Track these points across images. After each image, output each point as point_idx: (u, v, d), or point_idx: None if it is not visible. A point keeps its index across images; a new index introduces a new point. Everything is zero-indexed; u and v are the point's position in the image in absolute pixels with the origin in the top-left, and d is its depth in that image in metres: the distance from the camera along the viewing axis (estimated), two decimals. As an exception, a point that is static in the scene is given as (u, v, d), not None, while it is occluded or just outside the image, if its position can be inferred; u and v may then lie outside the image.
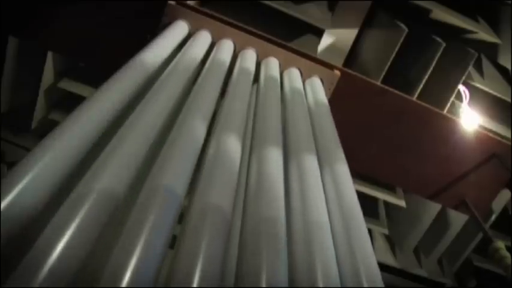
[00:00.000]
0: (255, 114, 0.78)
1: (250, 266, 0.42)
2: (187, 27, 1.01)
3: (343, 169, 0.65)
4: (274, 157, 0.60)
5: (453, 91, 1.38)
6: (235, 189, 0.52)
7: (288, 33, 1.28)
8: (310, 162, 0.63)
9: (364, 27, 1.44)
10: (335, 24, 1.40)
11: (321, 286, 0.42)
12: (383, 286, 0.45)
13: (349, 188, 0.61)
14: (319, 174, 0.62)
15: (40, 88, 1.32)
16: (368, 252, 0.49)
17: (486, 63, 1.49)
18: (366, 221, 0.55)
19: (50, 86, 1.34)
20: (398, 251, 1.68)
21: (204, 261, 0.38)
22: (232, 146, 0.59)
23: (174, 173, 0.48)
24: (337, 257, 0.48)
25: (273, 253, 0.43)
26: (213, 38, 1.02)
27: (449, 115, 1.23)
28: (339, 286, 0.43)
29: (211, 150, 0.57)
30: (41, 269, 0.33)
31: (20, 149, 1.43)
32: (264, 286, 0.39)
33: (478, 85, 1.42)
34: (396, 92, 1.15)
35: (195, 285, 0.36)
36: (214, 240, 0.41)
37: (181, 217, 0.47)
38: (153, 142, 0.56)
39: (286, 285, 0.41)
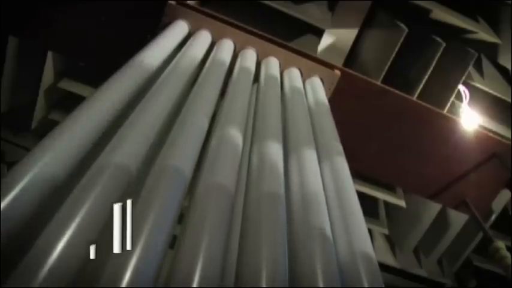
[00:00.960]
0: (255, 113, 0.78)
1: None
2: (187, 27, 1.01)
3: (342, 162, 0.66)
4: (274, 149, 0.61)
5: (453, 91, 1.38)
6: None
7: (288, 33, 1.28)
8: (310, 156, 0.64)
9: (364, 27, 1.44)
10: (335, 24, 1.40)
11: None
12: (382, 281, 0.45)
13: (348, 182, 0.61)
14: (318, 167, 0.63)
15: (40, 88, 1.32)
16: (367, 245, 0.50)
17: (486, 63, 1.49)
18: (366, 221, 0.55)
19: (50, 86, 1.34)
20: (398, 251, 1.68)
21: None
22: (233, 137, 0.60)
23: (180, 159, 0.50)
24: (336, 247, 0.49)
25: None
26: (213, 37, 1.02)
27: (449, 115, 1.23)
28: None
29: (213, 143, 0.58)
30: (41, 269, 0.33)
31: (20, 149, 1.43)
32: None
33: (478, 85, 1.42)
34: (396, 91, 1.15)
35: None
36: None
37: (181, 217, 0.47)
38: (153, 142, 0.56)
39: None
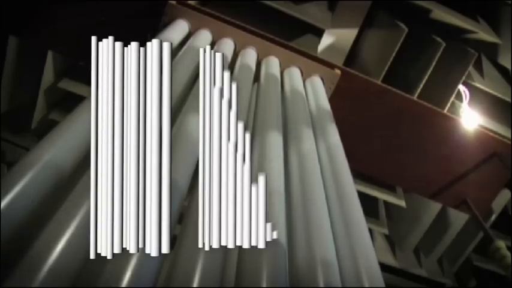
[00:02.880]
0: (255, 111, 0.78)
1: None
2: (188, 27, 1.01)
3: (343, 163, 0.66)
4: (274, 147, 0.61)
5: (453, 91, 1.38)
6: None
7: (288, 33, 1.28)
8: (310, 155, 0.64)
9: (364, 27, 1.44)
10: (335, 24, 1.40)
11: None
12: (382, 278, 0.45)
13: (348, 180, 0.61)
14: (318, 166, 0.63)
15: (40, 88, 1.32)
16: (367, 245, 0.50)
17: (486, 63, 1.49)
18: (366, 220, 0.55)
19: (50, 86, 1.34)
20: (398, 251, 1.68)
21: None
22: None
23: (177, 166, 0.49)
24: (336, 248, 0.49)
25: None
26: (213, 37, 1.02)
27: (449, 114, 1.23)
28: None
29: None
30: (41, 269, 0.33)
31: (20, 149, 1.43)
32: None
33: (478, 85, 1.42)
34: (397, 91, 1.15)
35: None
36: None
37: (181, 217, 0.47)
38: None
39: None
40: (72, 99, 1.34)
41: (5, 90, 1.36)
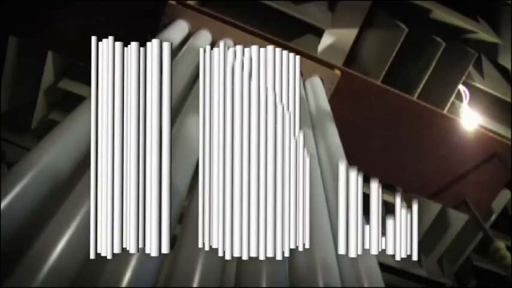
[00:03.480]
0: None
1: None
2: (188, 27, 1.01)
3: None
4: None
5: (453, 91, 1.38)
6: None
7: (288, 33, 1.28)
8: (308, 147, 0.64)
9: (364, 27, 1.44)
10: (335, 24, 1.40)
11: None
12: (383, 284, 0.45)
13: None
14: (319, 168, 0.63)
15: (40, 88, 1.32)
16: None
17: (486, 63, 1.49)
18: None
19: (50, 86, 1.34)
20: (398, 251, 1.68)
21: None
22: None
23: (177, 166, 0.49)
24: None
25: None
26: (213, 37, 1.02)
27: (449, 115, 1.23)
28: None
29: None
30: (41, 269, 0.33)
31: (20, 149, 1.43)
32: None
33: (478, 85, 1.42)
34: (396, 91, 1.15)
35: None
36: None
37: (181, 217, 0.47)
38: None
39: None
40: (72, 99, 1.34)
41: (5, 90, 1.36)
